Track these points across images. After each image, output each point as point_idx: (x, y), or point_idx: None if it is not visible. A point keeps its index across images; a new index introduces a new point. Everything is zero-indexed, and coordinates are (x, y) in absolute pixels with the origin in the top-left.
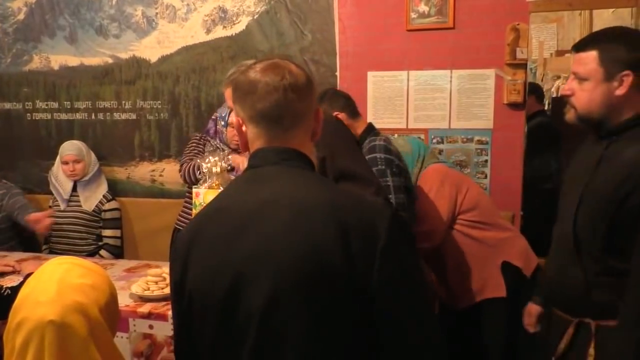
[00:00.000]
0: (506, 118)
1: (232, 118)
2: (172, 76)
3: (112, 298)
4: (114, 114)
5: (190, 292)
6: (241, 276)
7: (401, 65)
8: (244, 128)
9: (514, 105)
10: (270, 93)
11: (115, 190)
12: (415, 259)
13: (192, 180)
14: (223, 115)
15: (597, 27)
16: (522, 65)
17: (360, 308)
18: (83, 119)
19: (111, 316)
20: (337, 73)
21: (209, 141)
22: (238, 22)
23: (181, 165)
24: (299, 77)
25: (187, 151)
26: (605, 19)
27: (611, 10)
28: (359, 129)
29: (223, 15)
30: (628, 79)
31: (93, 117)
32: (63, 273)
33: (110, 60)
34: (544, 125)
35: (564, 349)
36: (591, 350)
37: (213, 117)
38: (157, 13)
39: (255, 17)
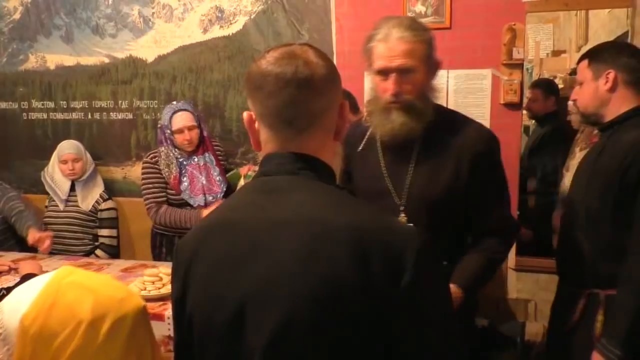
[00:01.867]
0: (503, 118)
1: (177, 124)
2: (168, 76)
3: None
4: (111, 113)
5: (190, 315)
6: (247, 305)
7: None
8: (255, 125)
9: (510, 105)
10: (280, 89)
11: (112, 190)
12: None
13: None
14: (165, 124)
15: (592, 27)
16: (519, 65)
17: (378, 348)
18: (79, 118)
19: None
20: None
21: (160, 155)
22: (235, 22)
23: (147, 200)
24: (316, 69)
25: (146, 182)
26: (601, 19)
27: (607, 10)
28: None
29: (220, 15)
30: (611, 75)
31: (89, 116)
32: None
33: (106, 60)
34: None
35: (577, 320)
36: (599, 317)
37: (159, 126)
38: (153, 12)
39: (252, 17)
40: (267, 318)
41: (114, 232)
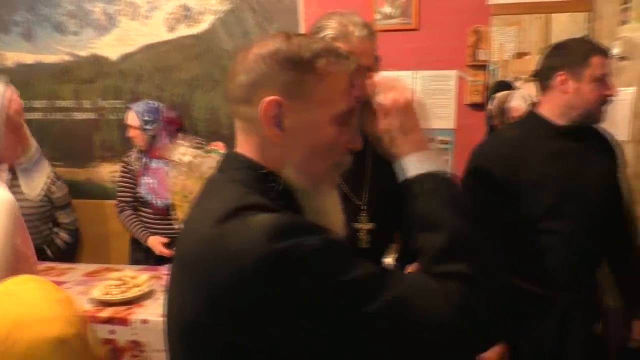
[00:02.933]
0: (468, 118)
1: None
2: (134, 75)
3: None
4: (73, 113)
5: None
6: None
7: None
8: None
9: (475, 106)
10: (228, 79)
11: (74, 192)
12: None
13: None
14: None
15: (554, 30)
16: (483, 67)
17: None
18: (40, 118)
19: None
20: None
21: (133, 153)
22: (202, 21)
23: (115, 199)
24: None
25: (117, 181)
26: (562, 22)
27: (568, 14)
28: None
29: (187, 14)
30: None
31: (51, 116)
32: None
33: (68, 58)
34: None
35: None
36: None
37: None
38: (118, 10)
39: (219, 16)
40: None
41: (73, 216)
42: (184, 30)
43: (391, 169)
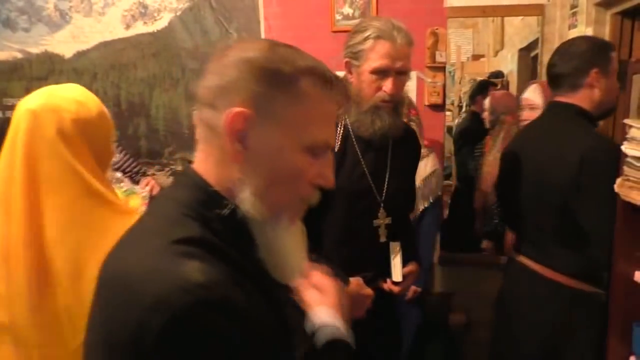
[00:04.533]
0: (427, 119)
1: None
2: (89, 73)
3: (97, 121)
4: None
5: None
6: None
7: (327, 66)
8: None
9: (434, 107)
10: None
11: None
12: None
13: None
14: None
15: (507, 33)
16: (441, 68)
17: None
18: None
19: (89, 134)
20: None
21: None
22: (160, 18)
23: None
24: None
25: None
26: (515, 26)
27: (520, 18)
28: None
29: (143, 11)
30: None
31: (0, 114)
32: (64, 86)
33: (19, 55)
34: None
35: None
36: None
37: None
38: (71, 6)
39: (177, 14)
40: None
41: None
42: (141, 28)
43: (407, 163)
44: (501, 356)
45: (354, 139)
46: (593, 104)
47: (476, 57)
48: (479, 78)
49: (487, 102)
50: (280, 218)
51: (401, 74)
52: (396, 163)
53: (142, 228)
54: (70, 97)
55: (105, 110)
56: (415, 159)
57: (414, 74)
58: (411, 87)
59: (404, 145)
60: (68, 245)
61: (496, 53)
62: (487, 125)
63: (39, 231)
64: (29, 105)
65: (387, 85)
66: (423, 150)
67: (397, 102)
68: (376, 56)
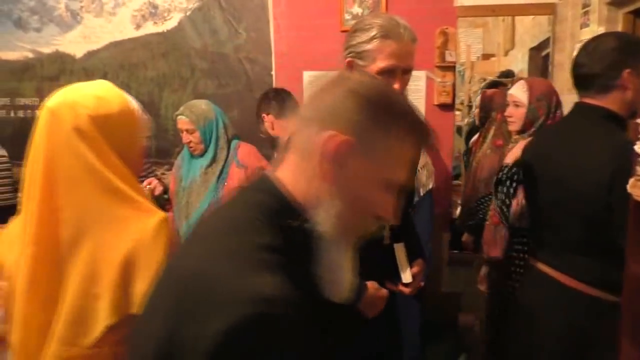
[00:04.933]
0: (436, 118)
1: None
2: (99, 72)
3: (118, 116)
4: (36, 111)
5: None
6: None
7: (336, 65)
8: None
9: (443, 106)
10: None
11: None
12: None
13: None
14: None
15: (518, 32)
16: (451, 68)
17: None
18: (0, 116)
19: (109, 130)
20: (273, 72)
21: None
22: (169, 19)
23: None
24: None
25: None
26: (525, 25)
27: (531, 17)
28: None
29: (153, 11)
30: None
31: (12, 114)
32: (89, 83)
33: (30, 55)
34: None
35: None
36: None
37: None
38: (82, 7)
39: (187, 14)
40: None
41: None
42: (150, 28)
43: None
44: None
45: None
46: (624, 106)
47: (486, 56)
48: (489, 77)
49: (478, 99)
50: (344, 240)
51: (406, 72)
52: None
53: (223, 228)
54: (90, 93)
55: (133, 106)
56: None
57: (423, 74)
58: (420, 87)
59: None
60: (83, 245)
61: (506, 52)
62: (477, 122)
63: (55, 230)
64: (49, 103)
65: (396, 85)
66: None
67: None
68: (384, 56)
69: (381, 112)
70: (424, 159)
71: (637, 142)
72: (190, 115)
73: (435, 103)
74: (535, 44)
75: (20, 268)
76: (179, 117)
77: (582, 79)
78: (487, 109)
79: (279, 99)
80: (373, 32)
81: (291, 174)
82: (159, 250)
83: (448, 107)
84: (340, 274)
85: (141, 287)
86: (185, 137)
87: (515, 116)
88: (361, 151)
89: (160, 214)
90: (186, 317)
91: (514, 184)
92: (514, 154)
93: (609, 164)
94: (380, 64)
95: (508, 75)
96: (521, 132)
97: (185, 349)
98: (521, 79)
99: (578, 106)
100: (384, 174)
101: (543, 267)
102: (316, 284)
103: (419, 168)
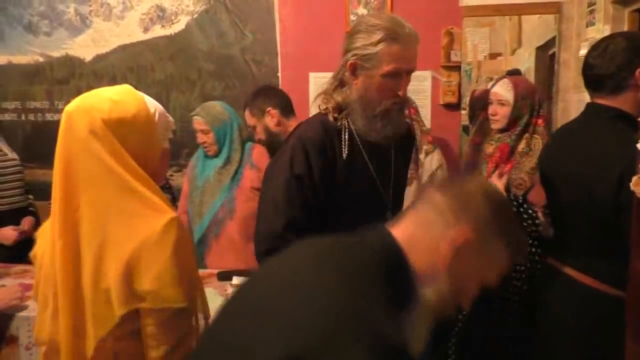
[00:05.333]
0: (442, 118)
1: None
2: (108, 75)
3: (132, 120)
4: (46, 114)
5: None
6: None
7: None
8: None
9: (449, 106)
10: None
11: (47, 193)
12: None
13: None
14: None
15: (525, 31)
16: (457, 68)
17: None
18: (12, 119)
19: (123, 133)
20: (279, 74)
21: None
22: (177, 22)
23: None
24: None
25: None
26: (532, 24)
27: (537, 16)
28: (290, 127)
29: (161, 14)
30: None
31: (23, 117)
32: (110, 87)
33: (40, 59)
34: None
35: None
36: None
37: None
38: (91, 11)
39: (194, 17)
40: None
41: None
42: (158, 31)
43: (405, 161)
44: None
45: (360, 144)
46: (636, 106)
47: (493, 55)
48: (496, 77)
49: (467, 99)
50: (434, 314)
51: (410, 73)
52: (398, 163)
53: (350, 267)
54: (107, 97)
55: (150, 110)
56: (409, 151)
57: (428, 74)
58: (426, 87)
59: (403, 143)
60: (95, 240)
61: (513, 51)
62: (468, 122)
63: (76, 226)
64: (68, 107)
65: (400, 86)
66: (427, 147)
67: (404, 102)
68: (390, 59)
69: (503, 219)
70: (439, 159)
71: (639, 141)
72: (205, 116)
73: (441, 103)
74: (541, 42)
75: (52, 261)
76: (195, 117)
77: (593, 80)
78: (475, 109)
79: (281, 94)
80: (379, 35)
81: (409, 242)
82: (165, 250)
83: (454, 107)
84: (420, 334)
85: (145, 284)
86: (200, 138)
87: (500, 114)
88: (478, 248)
89: (171, 214)
90: (313, 347)
91: (525, 205)
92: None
93: (618, 164)
94: (387, 67)
95: (515, 74)
96: (504, 130)
97: None
98: (504, 77)
99: (590, 107)
100: (485, 272)
101: (563, 267)
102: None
103: (434, 169)
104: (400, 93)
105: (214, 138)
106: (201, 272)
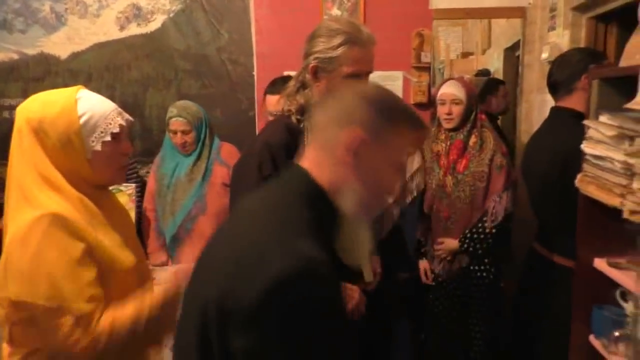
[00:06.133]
0: None
1: None
2: (84, 74)
3: (55, 121)
4: None
5: None
6: None
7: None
8: None
9: (419, 105)
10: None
11: None
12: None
13: None
14: None
15: (495, 32)
16: (426, 68)
17: None
18: None
19: (43, 132)
20: (254, 73)
21: None
22: (153, 20)
23: None
24: None
25: None
26: (501, 25)
27: (506, 19)
28: None
29: (137, 13)
30: None
31: None
32: (55, 91)
33: (15, 56)
34: None
35: None
36: None
37: None
38: (66, 8)
39: (170, 16)
40: None
41: None
42: (134, 30)
43: None
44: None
45: None
46: (583, 105)
47: (465, 54)
48: (467, 76)
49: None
50: (362, 217)
51: (368, 75)
52: None
53: (269, 206)
54: (41, 98)
55: (78, 113)
56: None
57: (400, 74)
58: (398, 87)
59: None
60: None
61: (484, 51)
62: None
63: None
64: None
65: None
66: None
67: None
68: (350, 62)
69: (386, 109)
70: (419, 160)
71: (584, 142)
72: (187, 117)
73: (412, 102)
74: (509, 44)
75: None
76: (175, 119)
77: (552, 86)
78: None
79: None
80: (339, 39)
81: (317, 166)
82: (26, 247)
83: (424, 106)
84: (358, 245)
85: (7, 277)
86: (180, 138)
87: (455, 113)
88: (374, 143)
89: (44, 211)
90: (239, 278)
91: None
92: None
93: (563, 157)
94: (347, 69)
95: (485, 74)
96: (456, 129)
97: (236, 306)
98: (451, 79)
99: (553, 110)
100: (393, 159)
101: (539, 248)
102: (339, 254)
103: (413, 170)
104: None
105: (194, 137)
106: None
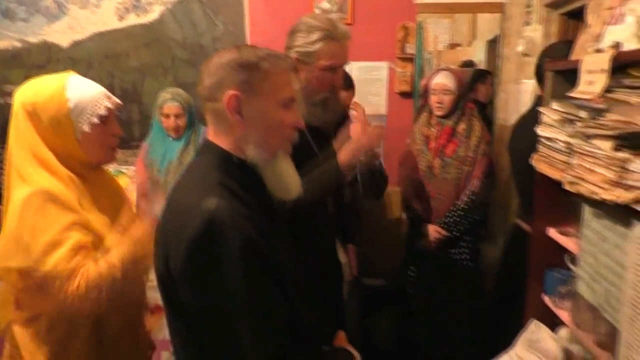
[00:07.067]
0: (397, 105)
1: None
2: (84, 62)
3: (45, 105)
4: None
5: None
6: None
7: None
8: None
9: (403, 94)
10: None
11: None
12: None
13: None
14: None
15: (479, 25)
16: (410, 59)
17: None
18: None
19: (36, 116)
20: None
21: None
22: (151, 11)
23: None
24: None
25: None
26: (485, 19)
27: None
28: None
29: (136, 4)
30: None
31: (1, 100)
32: (49, 76)
33: (18, 44)
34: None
35: None
36: None
37: None
38: None
39: (168, 7)
40: None
41: None
42: (133, 20)
43: (330, 152)
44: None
45: (305, 130)
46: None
47: (453, 45)
48: (452, 66)
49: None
50: (277, 154)
51: (343, 66)
52: (337, 142)
53: (192, 177)
54: (36, 82)
55: (67, 96)
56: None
57: (385, 64)
58: (383, 76)
59: (342, 125)
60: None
61: (470, 43)
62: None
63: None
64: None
65: (338, 79)
66: None
67: (338, 89)
68: (327, 56)
69: (245, 62)
70: None
71: (539, 126)
72: (181, 101)
73: (397, 91)
74: (491, 37)
75: None
76: (170, 102)
77: (539, 75)
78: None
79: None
80: (316, 35)
81: (217, 136)
82: (14, 216)
83: (407, 95)
84: (283, 177)
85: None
86: (173, 122)
87: (445, 102)
88: (249, 96)
89: (33, 188)
90: (171, 245)
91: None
92: None
93: (527, 126)
94: (324, 63)
95: (469, 65)
96: (446, 116)
97: (173, 265)
98: (442, 69)
99: (537, 97)
100: (274, 99)
101: (519, 222)
102: (270, 198)
103: None
104: (338, 84)
105: (186, 121)
106: None
